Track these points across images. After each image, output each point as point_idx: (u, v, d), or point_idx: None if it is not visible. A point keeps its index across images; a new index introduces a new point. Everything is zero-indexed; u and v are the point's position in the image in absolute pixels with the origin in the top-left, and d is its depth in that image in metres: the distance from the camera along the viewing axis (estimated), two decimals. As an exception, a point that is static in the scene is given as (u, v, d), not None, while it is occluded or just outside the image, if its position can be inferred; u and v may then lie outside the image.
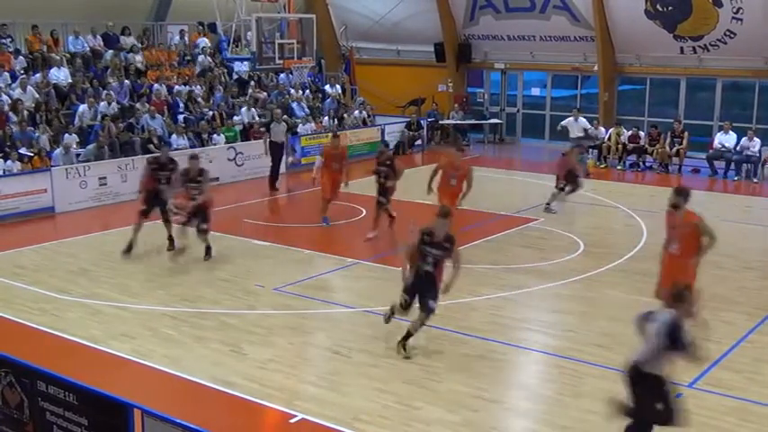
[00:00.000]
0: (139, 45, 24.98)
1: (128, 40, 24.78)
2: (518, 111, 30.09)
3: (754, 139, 23.16)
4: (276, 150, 21.10)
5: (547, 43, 27.97)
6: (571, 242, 15.55)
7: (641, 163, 24.53)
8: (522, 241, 15.67)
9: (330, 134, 19.93)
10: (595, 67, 27.05)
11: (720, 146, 23.62)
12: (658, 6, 25.30)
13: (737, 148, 23.25)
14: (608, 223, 17.92)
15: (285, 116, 24.39)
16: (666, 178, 23.10)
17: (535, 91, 30.36)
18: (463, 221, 16.34)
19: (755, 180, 22.70)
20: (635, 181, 23.04)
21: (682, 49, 25.59)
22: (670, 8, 25.10)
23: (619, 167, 24.46)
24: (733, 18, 24.15)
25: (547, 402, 8.95)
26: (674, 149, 23.93)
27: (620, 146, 24.80)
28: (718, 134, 24.08)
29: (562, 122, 25.35)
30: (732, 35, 24.38)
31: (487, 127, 30.07)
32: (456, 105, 29.63)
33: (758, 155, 22.99)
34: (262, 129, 22.36)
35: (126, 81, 22.61)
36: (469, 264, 13.93)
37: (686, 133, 24.11)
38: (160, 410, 6.23)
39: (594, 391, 9.01)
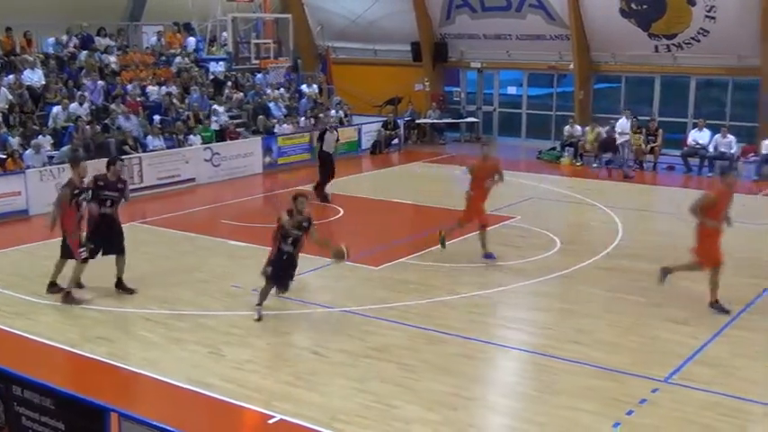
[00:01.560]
0: (114, 45, 24.82)
1: (103, 41, 24.62)
2: (494, 109, 30.19)
3: (728, 135, 23.38)
4: (327, 160, 19.49)
5: (523, 42, 28.07)
6: (548, 240, 15.62)
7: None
8: (499, 239, 15.69)
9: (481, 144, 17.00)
10: (571, 66, 27.20)
11: (694, 143, 23.82)
12: (633, 5, 25.46)
13: (711, 145, 23.46)
14: (584, 221, 18.03)
15: (261, 117, 24.38)
16: (641, 175, 23.26)
17: (511, 89, 30.49)
18: (439, 220, 16.40)
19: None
20: (610, 178, 23.16)
21: (656, 47, 25.78)
22: (644, 7, 25.28)
23: (594, 165, 24.58)
24: (706, 17, 24.36)
25: (525, 399, 8.99)
26: (649, 147, 24.11)
27: (596, 144, 24.93)
28: (693, 131, 24.28)
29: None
30: (705, 33, 24.60)
31: (464, 126, 30.14)
32: (433, 104, 29.70)
33: (732, 152, 23.21)
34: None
35: (100, 82, 22.45)
36: (447, 262, 14.02)
37: (661, 131, 24.30)
38: (138, 414, 6.19)
39: (572, 388, 9.07)
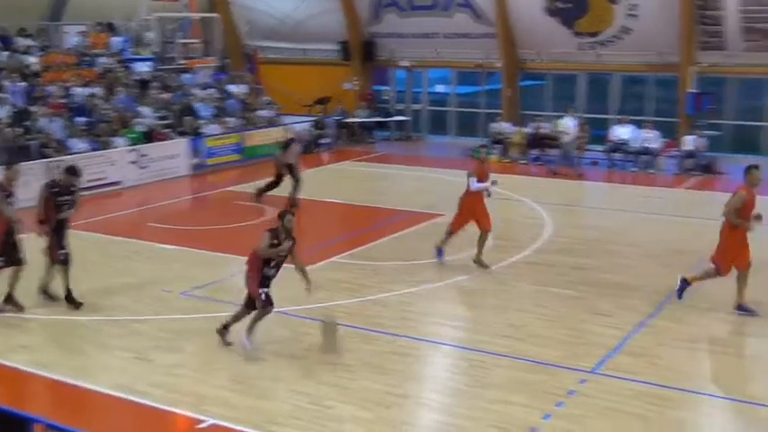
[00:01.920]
0: (35, 45, 24.22)
1: (23, 42, 23.99)
2: (424, 108, 30.36)
3: (651, 131, 23.96)
4: (286, 170, 18.70)
5: (450, 40, 28.29)
6: (477, 236, 15.74)
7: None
8: (430, 236, 15.77)
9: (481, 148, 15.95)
10: (498, 64, 27.52)
11: (618, 138, 24.33)
12: (557, 3, 25.90)
13: (635, 140, 24.00)
14: (513, 216, 18.24)
15: (188, 117, 24.06)
16: (568, 171, 23.65)
17: (440, 88, 30.70)
18: (371, 219, 16.46)
19: (652, 171, 23.44)
20: (538, 174, 23.51)
21: (580, 44, 26.26)
22: (568, 5, 25.74)
23: (522, 162, 24.91)
24: (628, 15, 24.91)
25: (457, 395, 9.07)
26: (577, 142, 24.55)
27: (524, 140, 25.30)
28: (616, 127, 24.80)
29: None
30: (628, 31, 25.15)
31: (394, 124, 30.24)
32: (362, 103, 29.73)
33: (655, 146, 23.79)
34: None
35: (22, 83, 21.87)
36: (378, 261, 14.05)
37: (586, 126, 24.76)
38: (63, 423, 6.06)
39: (503, 382, 9.19)
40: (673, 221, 17.60)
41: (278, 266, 10.01)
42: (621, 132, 24.36)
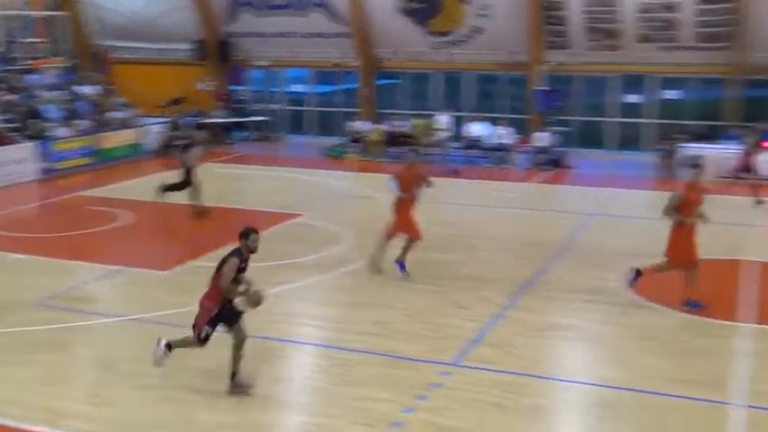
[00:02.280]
0: None
1: None
2: (282, 108, 30.23)
3: (505, 128, 24.76)
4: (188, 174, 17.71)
5: (307, 40, 28.29)
6: (338, 235, 15.85)
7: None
8: (289, 237, 15.78)
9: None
10: (355, 63, 27.74)
11: (473, 136, 25.00)
12: (411, 3, 26.35)
13: (489, 137, 24.74)
14: (373, 214, 18.40)
15: (34, 120, 23.04)
16: (430, 168, 24.06)
17: (298, 87, 30.65)
18: (228, 221, 16.23)
19: (506, 166, 24.23)
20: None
21: (434, 44, 26.81)
22: (422, 5, 26.24)
23: (380, 160, 25.21)
24: (479, 15, 25.62)
25: (320, 393, 9.09)
26: (434, 140, 25.08)
27: (382, 138, 25.62)
28: (470, 125, 25.47)
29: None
30: (480, 30, 25.87)
31: (252, 124, 29.96)
32: (218, 104, 29.30)
33: (508, 143, 24.59)
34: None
35: None
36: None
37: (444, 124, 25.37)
38: None
39: (367, 379, 9.28)
40: (526, 215, 18.27)
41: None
42: (476, 130, 25.04)
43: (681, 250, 11.54)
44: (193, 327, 8.93)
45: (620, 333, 10.95)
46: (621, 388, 9.12)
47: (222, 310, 8.83)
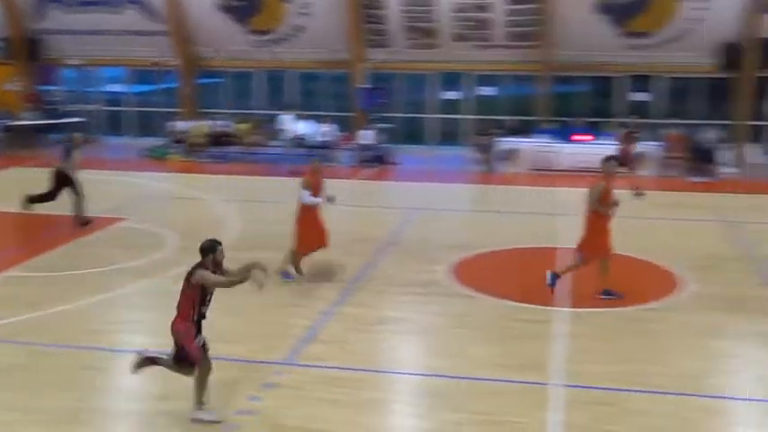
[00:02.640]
0: None
1: None
2: (98, 108, 29.08)
3: (328, 125, 24.93)
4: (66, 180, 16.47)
5: (122, 38, 27.39)
6: (164, 238, 15.46)
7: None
8: (113, 242, 15.23)
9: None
10: (174, 62, 27.09)
11: (297, 133, 25.04)
12: (231, 1, 26.03)
13: (313, 134, 24.85)
14: (199, 215, 18.10)
15: None
16: (250, 167, 23.92)
17: (115, 87, 29.61)
18: (46, 227, 15.48)
19: (331, 164, 24.38)
20: (223, 171, 23.51)
21: (256, 42, 26.62)
22: (242, 3, 25.98)
23: (203, 160, 24.79)
24: (300, 13, 25.67)
25: (151, 400, 8.84)
26: (256, 139, 24.97)
27: (205, 138, 25.19)
28: (293, 123, 25.49)
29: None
30: (301, 29, 25.92)
31: (68, 126, 28.58)
32: (27, 105, 27.81)
33: (332, 140, 24.79)
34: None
35: None
36: (57, 271, 13.25)
37: (265, 123, 25.26)
38: None
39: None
40: (352, 212, 18.45)
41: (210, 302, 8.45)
42: (300, 128, 25.09)
43: (598, 243, 11.80)
44: (183, 357, 8.26)
45: (448, 323, 11.29)
46: (451, 376, 9.43)
47: (197, 327, 8.32)
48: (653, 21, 24.04)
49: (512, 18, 24.68)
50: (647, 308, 11.77)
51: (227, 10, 26.15)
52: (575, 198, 19.96)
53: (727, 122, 24.51)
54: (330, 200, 12.98)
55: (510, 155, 23.54)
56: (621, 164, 19.60)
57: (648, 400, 8.73)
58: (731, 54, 23.71)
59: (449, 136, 26.89)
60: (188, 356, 8.20)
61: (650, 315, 11.50)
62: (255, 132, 25.61)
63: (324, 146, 24.56)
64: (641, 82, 25.61)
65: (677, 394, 8.89)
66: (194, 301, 8.31)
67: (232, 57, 27.13)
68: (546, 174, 22.52)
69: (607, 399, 8.82)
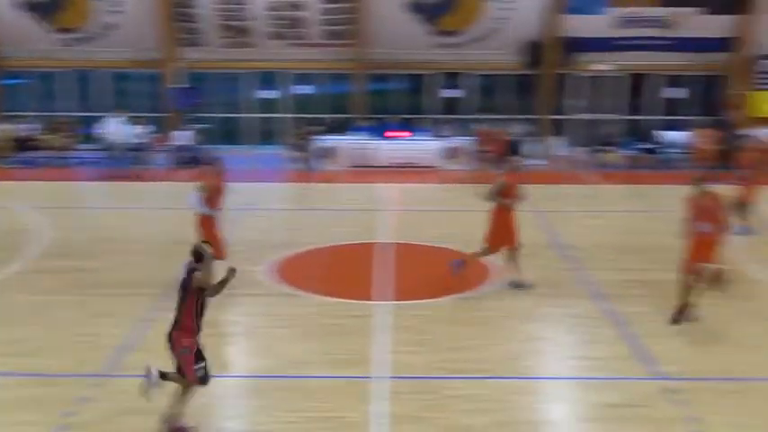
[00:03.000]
0: None
1: None
2: None
3: (142, 126, 24.18)
4: None
5: None
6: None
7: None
8: None
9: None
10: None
11: (109, 135, 24.13)
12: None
13: (126, 136, 24.02)
14: (6, 225, 17.10)
15: None
16: (65, 172, 22.88)
17: None
18: None
19: (144, 166, 23.68)
20: (30, 178, 22.30)
21: (62, 41, 25.42)
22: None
23: (9, 166, 23.48)
24: (111, 11, 24.74)
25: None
26: (65, 142, 23.91)
27: (9, 143, 23.86)
28: (106, 124, 24.55)
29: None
30: (112, 27, 24.99)
31: None
32: None
33: (146, 142, 24.06)
34: None
35: None
36: None
37: (75, 125, 24.20)
38: None
39: (9, 403, 8.62)
40: (168, 214, 18.01)
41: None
42: (113, 129, 24.19)
43: (502, 235, 12.27)
44: (180, 372, 7.95)
45: (272, 323, 11.25)
46: (277, 376, 9.41)
47: (197, 344, 7.94)
48: (461, 20, 24.90)
49: (326, 17, 24.86)
50: (465, 297, 12.21)
51: (30, 7, 24.80)
52: (392, 194, 20.52)
53: (533, 117, 25.77)
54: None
55: (328, 153, 23.74)
56: (489, 159, 20.28)
57: (469, 386, 9.08)
58: (534, 52, 24.94)
59: (267, 135, 26.74)
60: (182, 373, 7.95)
61: (469, 304, 11.94)
62: (65, 136, 24.46)
63: (138, 148, 23.79)
64: (452, 79, 26.46)
65: (495, 378, 9.31)
66: (193, 310, 7.92)
67: (37, 56, 25.73)
68: (364, 170, 22.86)
69: (430, 387, 9.08)
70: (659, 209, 17.69)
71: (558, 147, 25.60)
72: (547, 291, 12.42)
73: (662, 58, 25.14)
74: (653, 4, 24.37)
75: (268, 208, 18.73)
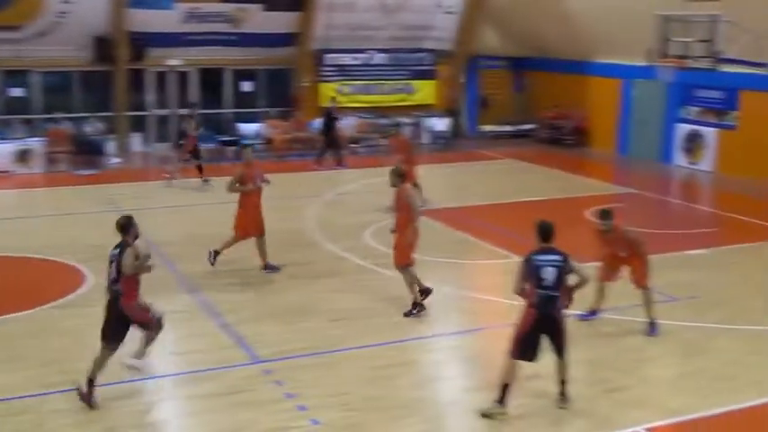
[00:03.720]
0: None
1: None
2: None
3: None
4: None
5: None
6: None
7: None
8: None
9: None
10: None
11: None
12: None
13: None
14: None
15: None
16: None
17: None
18: None
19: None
20: None
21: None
22: None
23: None
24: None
25: None
26: None
27: None
28: None
29: None
30: None
31: None
32: None
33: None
34: None
35: None
36: None
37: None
38: None
39: None
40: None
41: None
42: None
43: (247, 222, 13.08)
44: (143, 325, 8.78)
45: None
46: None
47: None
48: (21, 14, 23.22)
49: None
50: (53, 306, 11.62)
51: None
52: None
53: (109, 114, 24.95)
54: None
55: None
56: (192, 153, 20.54)
57: (66, 400, 8.65)
58: (102, 47, 24.12)
59: None
60: (143, 324, 8.79)
61: (58, 313, 11.38)
62: None
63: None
64: (17, 77, 24.67)
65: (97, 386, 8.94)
66: (133, 284, 8.69)
67: None
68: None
69: (26, 407, 8.54)
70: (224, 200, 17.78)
71: (138, 143, 25.23)
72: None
73: (231, 53, 25.75)
74: (218, 0, 24.87)
75: None
